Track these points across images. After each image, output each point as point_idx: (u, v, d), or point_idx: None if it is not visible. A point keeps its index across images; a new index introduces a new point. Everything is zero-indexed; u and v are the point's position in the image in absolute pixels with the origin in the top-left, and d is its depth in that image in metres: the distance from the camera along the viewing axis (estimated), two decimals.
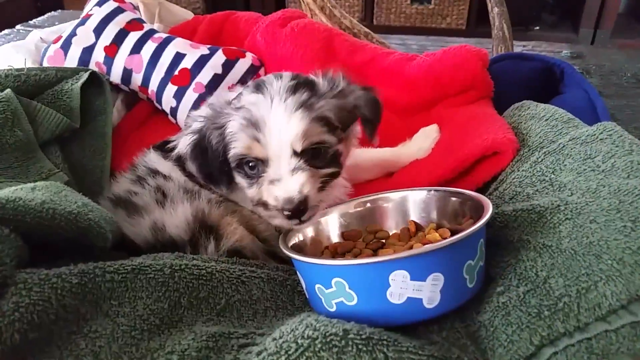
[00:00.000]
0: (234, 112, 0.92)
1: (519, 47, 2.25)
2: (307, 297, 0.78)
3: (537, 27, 4.27)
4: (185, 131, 1.01)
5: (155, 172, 1.05)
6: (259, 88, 0.92)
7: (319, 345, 0.59)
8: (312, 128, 0.88)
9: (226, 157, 0.93)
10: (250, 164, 0.91)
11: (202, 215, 0.95)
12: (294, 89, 0.90)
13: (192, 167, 0.97)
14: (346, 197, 1.06)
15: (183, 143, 0.99)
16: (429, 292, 0.66)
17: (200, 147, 0.95)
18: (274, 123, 0.87)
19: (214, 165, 0.94)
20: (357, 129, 1.04)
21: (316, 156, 0.91)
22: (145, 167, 1.07)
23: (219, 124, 0.93)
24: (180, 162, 1.04)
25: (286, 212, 0.86)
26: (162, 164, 1.06)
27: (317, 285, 0.71)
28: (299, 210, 0.86)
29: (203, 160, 0.95)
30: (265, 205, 0.90)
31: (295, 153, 0.87)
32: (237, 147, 0.89)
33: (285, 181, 0.87)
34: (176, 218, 0.94)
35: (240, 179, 0.95)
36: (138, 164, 1.09)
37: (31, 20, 2.54)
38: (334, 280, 0.68)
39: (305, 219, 0.88)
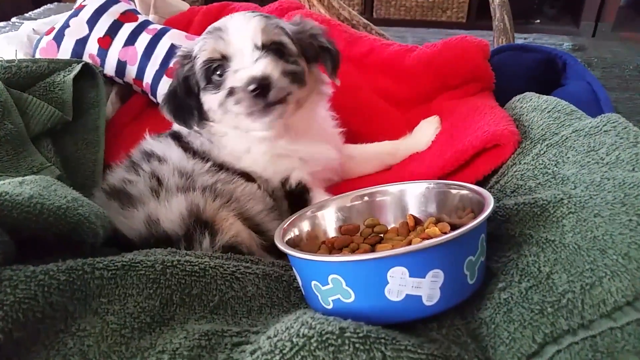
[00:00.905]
0: (201, 37, 1.01)
1: (519, 40, 2.23)
2: (303, 293, 0.76)
3: (538, 20, 4.24)
4: None
5: (149, 155, 1.04)
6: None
7: (315, 344, 0.57)
8: (271, 28, 0.98)
9: (193, 87, 1.01)
10: (217, 71, 0.98)
11: (197, 210, 0.93)
12: (253, 12, 1.01)
13: (167, 115, 1.04)
14: (332, 127, 1.16)
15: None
16: (428, 289, 0.64)
17: (172, 93, 1.03)
18: (234, 24, 0.98)
19: (183, 100, 1.02)
20: (324, 77, 1.12)
21: (279, 54, 0.98)
22: (140, 152, 1.07)
23: (189, 53, 1.02)
24: (174, 136, 1.08)
25: (251, 88, 0.91)
26: (157, 145, 1.07)
27: (313, 282, 0.69)
28: (264, 86, 0.92)
29: (175, 103, 1.03)
30: (231, 93, 0.95)
31: (256, 47, 0.95)
32: (203, 55, 0.98)
33: (250, 67, 0.94)
34: (170, 212, 0.92)
35: (208, 97, 1.01)
36: (133, 151, 1.09)
37: (27, 12, 2.51)
38: (330, 277, 0.66)
39: (272, 100, 0.94)
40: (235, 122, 1.01)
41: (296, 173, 1.05)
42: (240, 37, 0.96)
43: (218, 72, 0.98)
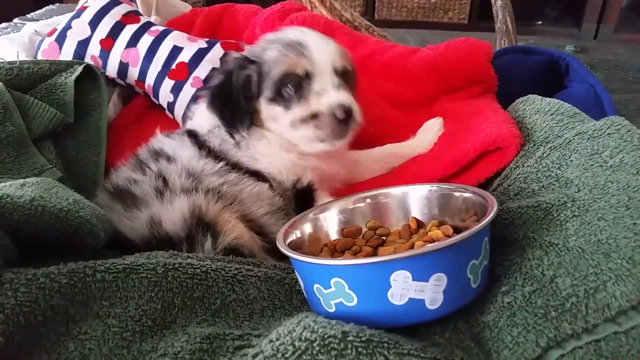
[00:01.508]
0: (267, 46, 0.99)
1: (521, 42, 2.22)
2: (306, 297, 0.75)
3: (540, 22, 4.23)
4: (205, 109, 1.07)
5: (158, 154, 1.04)
6: (280, 31, 1.03)
7: (317, 348, 0.57)
8: (342, 54, 0.99)
9: (256, 92, 0.99)
10: (291, 85, 0.97)
11: (200, 212, 0.93)
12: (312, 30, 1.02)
13: (213, 114, 1.02)
14: None
15: (205, 117, 1.06)
16: (431, 293, 0.63)
17: (222, 92, 1.01)
18: (314, 43, 0.97)
19: (238, 104, 1.00)
20: None
21: (346, 81, 1.00)
22: (149, 150, 1.06)
23: (253, 58, 1.00)
24: (190, 134, 1.07)
25: (340, 116, 0.93)
26: (168, 143, 1.07)
27: (315, 285, 0.68)
28: (348, 117, 0.94)
29: (225, 104, 1.01)
30: (314, 116, 0.95)
31: (335, 71, 0.97)
32: (281, 67, 0.96)
33: (333, 92, 0.95)
34: (173, 213, 0.92)
35: (274, 109, 1.00)
36: (141, 149, 1.09)
37: (29, 13, 2.52)
38: (333, 280, 0.65)
39: (348, 131, 0.97)
40: (293, 138, 1.02)
41: (308, 174, 1.06)
42: (323, 58, 0.96)
43: (291, 87, 0.98)
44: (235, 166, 1.03)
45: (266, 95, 0.99)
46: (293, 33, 1.00)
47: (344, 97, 0.96)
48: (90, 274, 0.66)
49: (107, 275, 0.67)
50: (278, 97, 0.99)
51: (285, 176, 1.05)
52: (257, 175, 1.04)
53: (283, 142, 1.05)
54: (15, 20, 2.34)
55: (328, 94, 0.96)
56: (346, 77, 1.02)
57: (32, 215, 0.67)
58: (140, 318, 0.66)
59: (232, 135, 1.06)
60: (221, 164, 1.02)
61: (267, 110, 1.01)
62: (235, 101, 1.01)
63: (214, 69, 1.08)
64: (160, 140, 1.08)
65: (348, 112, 0.94)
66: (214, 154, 1.04)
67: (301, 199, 1.03)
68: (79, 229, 0.72)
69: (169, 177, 0.98)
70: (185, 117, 1.37)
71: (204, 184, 0.97)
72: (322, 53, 0.97)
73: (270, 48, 0.98)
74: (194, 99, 1.37)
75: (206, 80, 1.19)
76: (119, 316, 0.65)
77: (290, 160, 1.05)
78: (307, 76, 0.96)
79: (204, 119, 1.09)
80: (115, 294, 0.67)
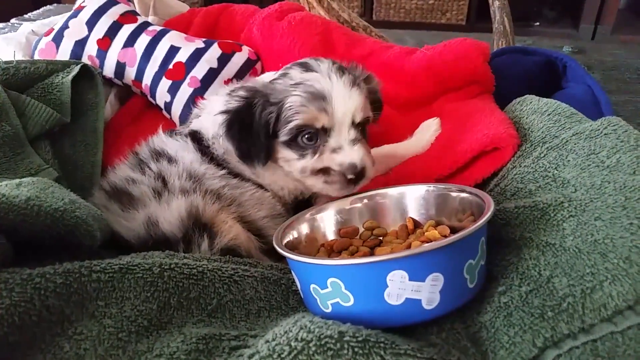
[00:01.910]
0: (290, 89, 0.96)
1: (519, 43, 2.22)
2: (302, 297, 0.75)
3: (537, 23, 4.24)
4: (213, 110, 1.05)
5: (160, 154, 1.03)
6: (308, 68, 0.98)
7: (314, 348, 0.57)
8: (365, 103, 0.98)
9: (273, 132, 0.97)
10: (307, 136, 0.96)
11: (197, 212, 0.92)
12: (340, 69, 0.98)
13: (229, 143, 1.00)
14: None
15: (213, 121, 1.03)
16: (428, 292, 0.63)
17: (241, 124, 0.98)
18: (338, 95, 0.94)
19: (258, 140, 0.98)
20: None
21: (363, 130, 0.99)
22: (150, 149, 1.05)
23: (275, 100, 0.97)
24: (194, 137, 1.05)
25: (350, 177, 0.92)
26: (170, 143, 1.05)
27: (312, 286, 0.68)
28: (360, 176, 0.93)
29: (243, 137, 0.98)
30: (325, 171, 0.95)
31: (353, 124, 0.95)
32: (301, 118, 0.94)
33: (348, 149, 0.95)
34: (170, 213, 0.91)
35: (288, 153, 0.98)
36: (142, 148, 1.07)
37: (27, 13, 2.51)
38: (329, 281, 0.65)
39: (359, 186, 0.95)
40: (302, 180, 1.01)
41: (308, 192, 1.05)
42: (344, 112, 0.94)
43: (307, 137, 0.96)
44: (237, 176, 1.02)
45: (282, 139, 0.97)
46: (319, 80, 0.95)
47: (357, 156, 0.94)
48: (86, 274, 0.66)
49: (102, 275, 0.67)
50: (293, 144, 0.97)
51: (287, 193, 1.05)
52: (259, 185, 1.04)
53: (289, 175, 1.04)
54: (13, 20, 2.34)
55: (343, 151, 0.94)
56: (364, 128, 1.00)
57: (28, 215, 0.67)
58: (136, 318, 0.65)
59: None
60: (224, 171, 1.01)
61: (282, 152, 0.99)
62: (255, 136, 0.98)
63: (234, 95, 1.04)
64: (162, 140, 1.07)
65: (359, 173, 0.93)
66: (217, 162, 1.03)
67: (303, 206, 1.02)
68: (75, 229, 0.72)
69: (169, 178, 0.97)
70: (182, 117, 1.37)
71: (204, 186, 0.97)
72: (345, 108, 0.94)
73: (293, 93, 0.95)
74: (191, 99, 1.37)
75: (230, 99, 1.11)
76: (115, 316, 0.65)
77: (294, 183, 1.04)
78: (325, 130, 0.95)
79: (210, 122, 1.06)
80: (111, 294, 0.66)
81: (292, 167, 0.99)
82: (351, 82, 0.96)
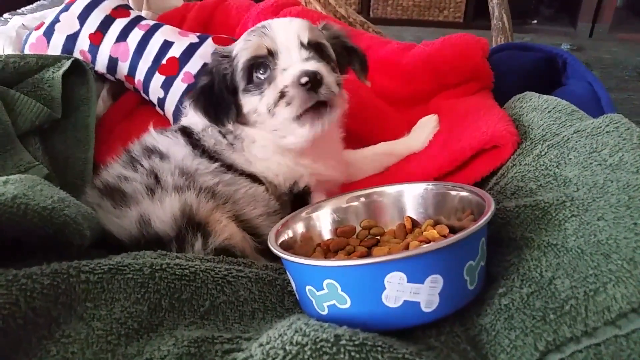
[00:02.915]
0: (239, 42, 0.99)
1: (517, 41, 2.21)
2: (298, 298, 0.73)
3: (535, 21, 4.23)
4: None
5: (152, 151, 1.01)
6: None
7: (309, 352, 0.55)
8: (315, 29, 0.97)
9: (233, 87, 0.98)
10: (260, 70, 0.95)
11: (190, 211, 0.90)
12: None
13: (198, 112, 1.00)
14: (339, 140, 1.15)
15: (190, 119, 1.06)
16: (427, 295, 0.61)
17: (205, 90, 0.99)
18: (278, 23, 0.96)
19: (221, 96, 0.98)
20: (344, 92, 1.07)
21: (322, 56, 0.96)
22: (141, 147, 1.04)
23: (226, 53, 0.99)
24: (184, 132, 1.05)
25: (304, 81, 0.89)
26: (161, 140, 1.04)
27: (307, 287, 0.67)
28: (315, 82, 0.90)
29: (209, 99, 0.99)
30: (283, 95, 0.92)
31: (302, 45, 0.94)
32: (247, 53, 0.95)
33: (298, 64, 0.92)
34: (163, 212, 0.89)
35: (250, 100, 0.98)
36: (134, 145, 1.06)
37: (20, 8, 2.48)
38: (325, 282, 0.63)
39: (323, 97, 0.91)
40: (276, 127, 0.98)
41: (304, 178, 1.04)
42: (286, 33, 0.94)
43: (261, 71, 0.96)
44: (230, 167, 1.01)
45: (241, 87, 0.98)
46: (260, 25, 0.99)
47: (309, 65, 0.92)
48: (75, 274, 0.64)
49: (91, 276, 0.65)
50: (252, 86, 0.97)
51: (282, 180, 1.03)
52: (253, 178, 1.02)
53: (276, 144, 1.02)
54: (6, 15, 2.30)
55: (293, 67, 0.93)
56: (322, 51, 0.99)
57: (15, 214, 0.65)
58: (125, 321, 0.64)
59: (224, 136, 1.03)
60: (216, 164, 1.00)
61: (246, 102, 0.99)
62: (218, 96, 0.99)
63: (200, 70, 1.05)
64: (153, 137, 1.05)
65: (313, 77, 0.90)
66: (209, 154, 1.01)
67: (298, 203, 1.00)
68: (64, 227, 0.70)
69: (161, 174, 0.96)
70: (176, 113, 1.35)
71: (197, 183, 0.95)
72: (286, 29, 0.95)
73: (239, 40, 0.98)
74: (185, 95, 1.34)
75: (195, 80, 1.17)
76: (104, 318, 0.63)
77: (287, 165, 1.02)
78: (272, 55, 0.94)
79: (197, 117, 1.06)
80: (100, 295, 0.64)
81: (260, 113, 0.98)
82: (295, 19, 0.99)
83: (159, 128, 1.09)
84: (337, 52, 1.04)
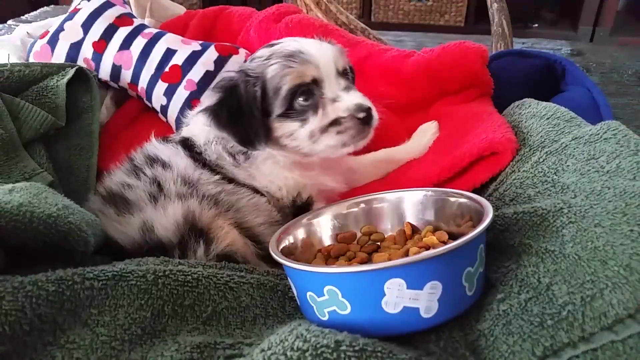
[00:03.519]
0: (266, 62, 0.96)
1: (517, 45, 2.22)
2: (299, 304, 0.74)
3: (536, 25, 4.24)
4: (201, 117, 1.04)
5: (154, 160, 1.02)
6: (272, 44, 1.00)
7: (310, 358, 0.56)
8: (343, 53, 1.00)
9: (264, 110, 0.96)
10: (303, 96, 0.95)
11: (193, 218, 0.91)
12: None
13: (224, 131, 0.99)
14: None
15: (202, 128, 1.03)
16: (426, 301, 0.62)
17: (229, 110, 0.97)
18: (312, 48, 0.96)
19: (252, 118, 0.96)
20: None
21: (348, 78, 0.99)
22: (144, 155, 1.04)
23: (255, 74, 0.97)
24: (184, 144, 1.04)
25: (361, 116, 0.93)
26: (163, 149, 1.04)
27: (308, 293, 0.67)
28: (369, 114, 0.94)
29: (235, 121, 0.97)
30: (334, 124, 0.94)
31: (338, 72, 0.96)
32: (289, 79, 0.94)
33: (347, 95, 0.95)
34: (166, 219, 0.90)
35: (288, 126, 0.97)
36: (136, 154, 1.06)
37: (24, 15, 2.50)
38: (326, 288, 0.64)
39: (371, 129, 0.97)
40: (308, 150, 0.99)
41: (307, 190, 1.04)
42: (326, 61, 0.95)
43: (302, 98, 0.95)
44: (231, 180, 1.01)
45: (277, 113, 0.96)
46: (288, 44, 0.98)
47: (358, 97, 0.96)
48: (79, 281, 0.65)
49: (96, 282, 0.66)
50: (291, 112, 0.96)
51: (285, 193, 1.03)
52: (254, 190, 1.02)
53: (289, 160, 1.02)
54: (10, 22, 2.33)
55: (342, 98, 0.95)
56: (348, 75, 1.01)
57: (20, 222, 0.66)
58: (129, 326, 0.65)
59: (232, 155, 1.03)
60: (218, 176, 1.00)
61: (281, 127, 0.97)
62: (248, 117, 0.96)
63: (219, 84, 1.02)
64: (155, 146, 1.06)
65: (368, 111, 0.94)
66: (210, 167, 1.01)
67: (299, 213, 1.01)
68: (68, 235, 0.71)
69: (164, 183, 0.96)
70: (178, 120, 1.36)
71: (200, 191, 0.95)
72: (325, 57, 0.95)
73: (271, 63, 0.95)
74: (188, 102, 1.35)
75: (209, 92, 1.12)
76: (108, 325, 0.64)
77: (293, 178, 1.03)
78: (316, 84, 0.95)
79: (200, 129, 1.05)
80: (104, 301, 0.65)
81: (298, 138, 0.98)
82: (317, 39, 1.00)
83: (160, 137, 1.09)
84: None
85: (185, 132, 1.10)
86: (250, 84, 0.96)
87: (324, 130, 0.95)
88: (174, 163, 1.00)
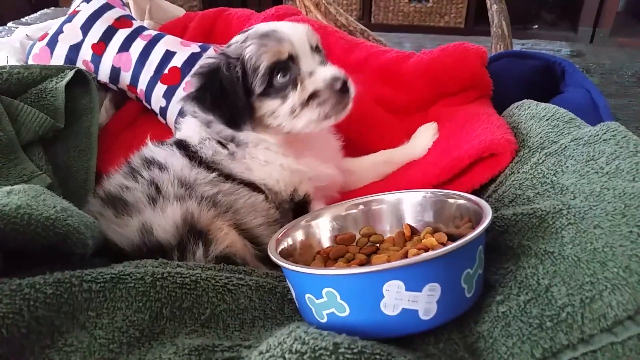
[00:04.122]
0: (243, 44, 0.99)
1: (517, 46, 2.22)
2: (297, 306, 0.74)
3: (536, 26, 4.24)
4: (192, 121, 1.08)
5: (150, 162, 1.02)
6: (245, 30, 1.03)
7: None
8: (312, 31, 1.01)
9: (246, 89, 0.98)
10: (281, 73, 0.97)
11: (192, 219, 0.91)
12: None
13: (210, 113, 1.00)
14: (335, 144, 1.18)
15: (194, 128, 1.06)
16: (425, 303, 0.62)
17: (212, 91, 0.99)
18: (285, 27, 1.00)
19: (236, 97, 0.98)
20: None
21: (322, 55, 1.02)
22: (140, 158, 1.04)
23: (235, 55, 0.99)
24: (179, 145, 1.05)
25: (338, 85, 0.96)
26: (159, 152, 1.04)
27: (307, 295, 0.67)
28: (346, 86, 0.97)
29: (220, 102, 0.99)
30: (313, 97, 0.96)
31: (312, 48, 0.99)
32: (266, 57, 0.96)
33: (322, 69, 0.99)
34: (164, 221, 0.90)
35: (270, 104, 0.99)
36: (134, 157, 1.06)
37: (24, 17, 2.50)
38: (324, 291, 0.64)
39: (350, 100, 0.99)
40: (291, 127, 1.01)
41: (304, 185, 1.05)
42: (300, 39, 0.98)
43: (281, 75, 0.98)
44: (228, 177, 1.01)
45: (258, 92, 0.98)
46: (262, 25, 1.02)
47: (333, 70, 0.98)
48: (77, 283, 0.65)
49: (94, 285, 0.66)
50: (271, 90, 0.98)
51: (283, 187, 1.03)
52: (252, 186, 1.02)
53: (279, 142, 1.03)
54: (10, 24, 2.33)
55: (318, 71, 0.98)
56: (321, 52, 1.04)
57: (18, 224, 0.66)
58: (127, 329, 0.64)
59: (224, 145, 1.04)
60: (214, 174, 1.00)
61: (263, 106, 1.00)
62: (233, 99, 0.98)
63: (200, 69, 1.04)
64: (151, 149, 1.06)
65: (344, 82, 0.97)
66: (206, 165, 1.02)
67: (298, 213, 1.01)
68: (67, 237, 0.71)
69: (162, 185, 0.96)
70: (177, 123, 1.36)
71: (197, 193, 0.95)
72: (298, 34, 0.99)
73: (248, 45, 0.98)
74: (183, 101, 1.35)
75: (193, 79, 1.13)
76: (106, 327, 0.64)
77: (289, 167, 1.03)
78: (292, 60, 0.97)
79: (192, 130, 1.07)
80: (102, 304, 0.65)
81: (280, 115, 1.00)
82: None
83: (156, 141, 1.09)
84: None
85: (179, 135, 1.11)
86: (232, 65, 0.98)
87: (304, 104, 0.97)
88: (170, 164, 1.00)
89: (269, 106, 0.99)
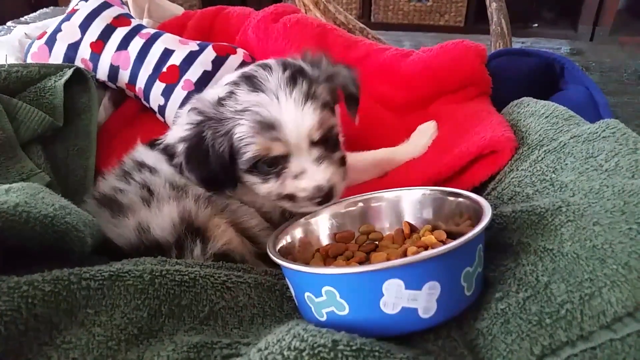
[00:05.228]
0: (237, 116, 0.89)
1: (517, 44, 2.22)
2: (297, 304, 0.74)
3: (536, 24, 4.24)
4: (175, 133, 0.99)
5: (141, 165, 1.01)
6: (254, 85, 0.89)
7: (307, 358, 0.55)
8: (323, 116, 0.89)
9: (233, 161, 0.91)
10: (267, 164, 0.90)
11: (189, 217, 0.91)
12: (292, 81, 0.89)
13: (191, 177, 0.95)
14: None
15: (173, 137, 0.98)
16: (424, 301, 0.62)
17: (198, 155, 0.92)
18: (289, 120, 0.86)
19: (219, 170, 0.92)
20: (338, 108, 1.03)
21: (327, 142, 0.92)
22: (132, 160, 1.03)
23: (223, 130, 0.90)
24: (167, 152, 1.01)
25: (317, 200, 0.88)
26: (148, 155, 1.03)
27: (306, 294, 0.67)
28: (328, 196, 0.88)
29: (203, 168, 0.93)
30: (290, 197, 0.90)
31: (312, 143, 0.89)
32: (253, 150, 0.88)
33: (311, 172, 0.89)
34: (161, 219, 0.90)
35: (251, 179, 0.94)
36: (126, 159, 1.06)
37: (23, 16, 2.50)
38: (324, 289, 0.64)
39: (329, 202, 0.90)
40: (265, 200, 0.97)
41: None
42: (297, 136, 0.87)
43: (266, 164, 0.90)
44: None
45: (242, 167, 0.92)
46: (265, 105, 0.87)
47: (322, 177, 0.88)
48: (76, 281, 0.64)
49: (92, 282, 0.66)
50: (254, 171, 0.92)
51: (271, 208, 1.01)
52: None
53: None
54: (9, 23, 2.33)
55: (306, 175, 0.89)
56: (328, 139, 0.93)
57: (16, 222, 0.66)
58: (126, 326, 0.64)
59: None
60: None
61: (245, 177, 0.94)
62: (215, 167, 0.92)
63: (191, 125, 0.94)
64: (141, 152, 1.05)
65: (327, 193, 0.88)
66: None
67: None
68: (65, 235, 0.71)
69: (154, 187, 0.96)
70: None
71: (192, 193, 0.95)
72: (298, 132, 0.87)
73: (241, 122, 0.88)
74: (185, 102, 1.35)
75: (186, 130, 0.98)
76: (105, 325, 0.63)
77: (273, 203, 0.98)
78: (282, 157, 0.89)
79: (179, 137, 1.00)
80: (100, 301, 0.65)
81: (258, 190, 0.95)
82: (303, 96, 0.87)
83: (147, 141, 1.08)
84: (331, 89, 0.97)
85: (169, 138, 1.05)
86: (218, 139, 0.91)
87: (280, 197, 0.92)
88: (160, 169, 0.99)
89: (250, 179, 0.94)
